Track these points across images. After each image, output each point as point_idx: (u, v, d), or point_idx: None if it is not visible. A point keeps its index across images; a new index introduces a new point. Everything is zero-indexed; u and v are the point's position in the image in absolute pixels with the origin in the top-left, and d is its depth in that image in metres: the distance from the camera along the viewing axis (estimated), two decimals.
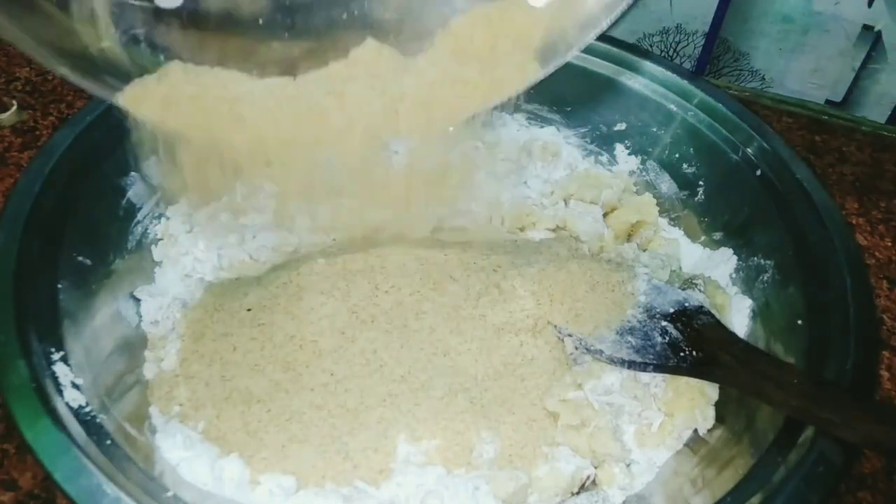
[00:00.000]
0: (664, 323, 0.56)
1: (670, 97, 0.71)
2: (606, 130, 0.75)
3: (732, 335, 0.55)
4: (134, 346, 0.56)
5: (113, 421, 0.47)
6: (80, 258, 0.55)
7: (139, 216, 0.63)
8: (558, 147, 0.75)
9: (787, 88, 0.89)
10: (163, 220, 0.64)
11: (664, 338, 0.55)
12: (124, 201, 0.62)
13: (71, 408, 0.45)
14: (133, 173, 0.63)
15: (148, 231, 0.63)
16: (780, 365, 0.51)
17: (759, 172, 0.64)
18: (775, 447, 0.47)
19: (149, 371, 0.55)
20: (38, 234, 0.52)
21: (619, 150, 0.75)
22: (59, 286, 0.52)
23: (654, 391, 0.56)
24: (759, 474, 0.46)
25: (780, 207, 0.62)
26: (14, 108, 0.77)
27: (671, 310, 0.57)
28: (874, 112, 0.86)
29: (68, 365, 0.48)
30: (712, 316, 0.56)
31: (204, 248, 0.63)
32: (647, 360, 0.54)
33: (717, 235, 0.67)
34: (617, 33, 0.81)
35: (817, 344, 0.52)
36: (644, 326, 0.57)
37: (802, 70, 0.87)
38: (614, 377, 0.55)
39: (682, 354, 0.54)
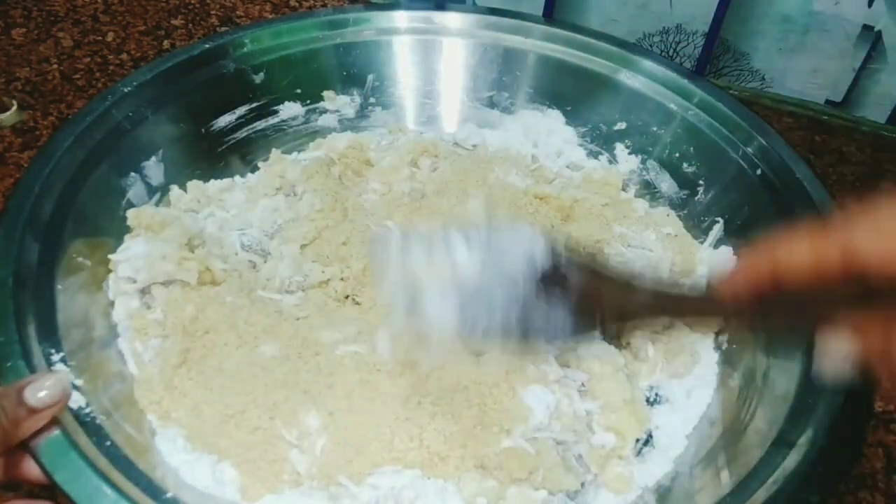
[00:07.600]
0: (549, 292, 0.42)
1: (670, 96, 0.71)
2: (606, 130, 0.75)
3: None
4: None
5: (113, 422, 0.47)
6: (80, 258, 0.55)
7: None
8: None
9: (787, 88, 0.89)
10: None
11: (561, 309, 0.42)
12: (124, 201, 0.62)
13: (71, 408, 0.45)
14: (133, 173, 0.63)
15: None
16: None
17: (759, 172, 0.64)
18: (775, 447, 0.47)
19: (141, 374, 0.54)
20: (37, 234, 0.52)
21: (619, 149, 0.74)
22: (59, 286, 0.52)
23: (595, 418, 0.53)
24: (759, 474, 0.46)
25: (780, 207, 0.62)
26: (14, 108, 0.77)
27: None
28: (874, 112, 0.86)
29: (68, 365, 0.48)
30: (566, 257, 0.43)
31: None
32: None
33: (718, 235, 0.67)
34: (617, 33, 0.81)
35: (817, 344, 0.52)
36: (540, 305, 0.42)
37: (802, 70, 0.87)
38: (541, 414, 0.50)
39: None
